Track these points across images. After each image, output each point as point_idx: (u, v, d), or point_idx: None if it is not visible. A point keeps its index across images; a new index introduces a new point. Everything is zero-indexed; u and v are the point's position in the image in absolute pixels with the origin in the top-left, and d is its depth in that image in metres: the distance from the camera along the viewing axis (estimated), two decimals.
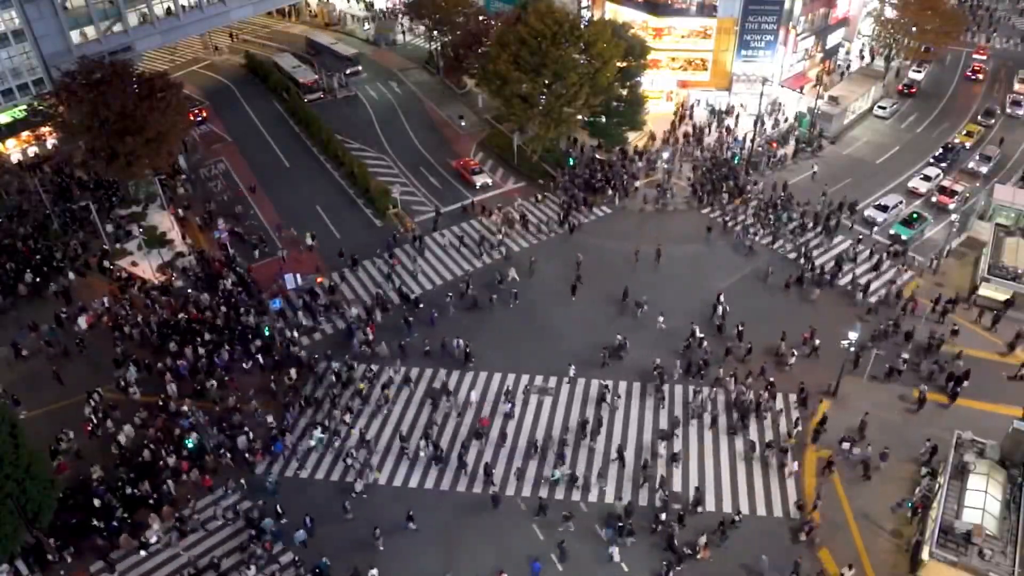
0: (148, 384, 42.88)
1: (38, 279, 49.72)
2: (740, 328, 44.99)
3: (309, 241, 53.18)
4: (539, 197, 58.21)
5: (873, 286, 48.57)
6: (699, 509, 36.16)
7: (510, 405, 41.53)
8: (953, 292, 48.06)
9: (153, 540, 35.19)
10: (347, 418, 41.16)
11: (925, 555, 32.10)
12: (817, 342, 43.99)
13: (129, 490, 36.78)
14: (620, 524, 35.12)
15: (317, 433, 39.98)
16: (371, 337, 45.71)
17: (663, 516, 35.42)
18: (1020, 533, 32.07)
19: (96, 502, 35.99)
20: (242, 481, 37.91)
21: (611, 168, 60.10)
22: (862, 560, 34.31)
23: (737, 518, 35.46)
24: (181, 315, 46.58)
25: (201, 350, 44.15)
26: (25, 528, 32.96)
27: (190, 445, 38.77)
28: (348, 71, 75.61)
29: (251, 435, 39.49)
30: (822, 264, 50.50)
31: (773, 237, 53.36)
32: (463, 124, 68.68)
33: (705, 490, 37.24)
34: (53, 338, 45.43)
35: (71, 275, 50.27)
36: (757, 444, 39.16)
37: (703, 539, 34.46)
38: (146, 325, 45.98)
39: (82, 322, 46.45)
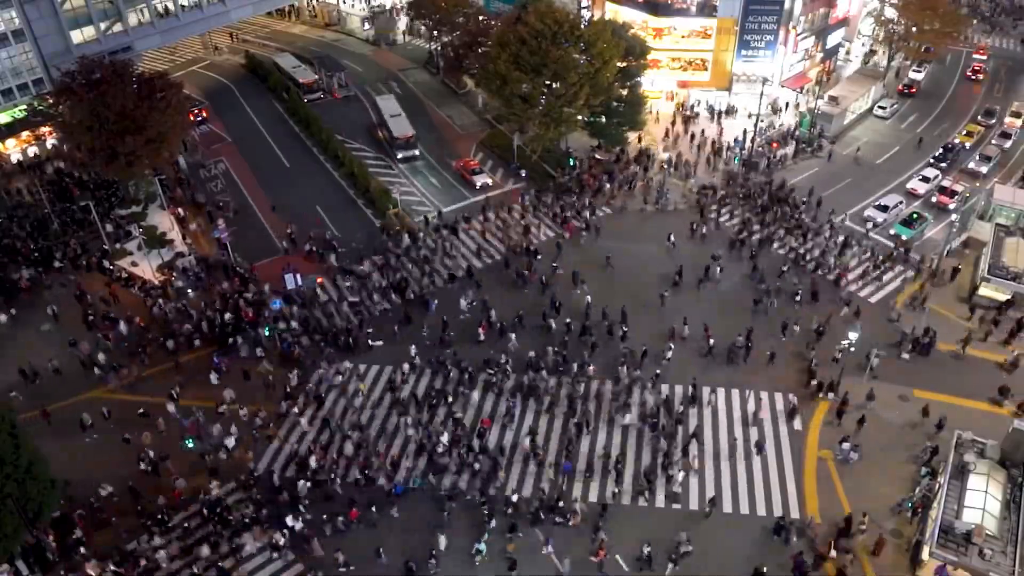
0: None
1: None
2: (625, 328, 44.97)
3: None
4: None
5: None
6: (561, 504, 35.79)
7: (509, 405, 41.39)
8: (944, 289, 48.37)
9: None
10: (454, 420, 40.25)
11: (925, 555, 32.17)
12: (712, 341, 43.94)
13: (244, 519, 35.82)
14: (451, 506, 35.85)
15: (444, 440, 39.09)
16: (482, 337, 44.93)
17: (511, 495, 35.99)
18: (1020, 533, 32.11)
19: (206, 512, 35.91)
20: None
21: (583, 189, 58.50)
22: (862, 560, 34.32)
23: (616, 491, 36.46)
24: (228, 315, 45.99)
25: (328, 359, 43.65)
26: (25, 528, 32.94)
27: (190, 445, 38.77)
28: (400, 155, 63.72)
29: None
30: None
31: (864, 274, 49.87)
32: (457, 124, 68.53)
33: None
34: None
35: (72, 275, 50.28)
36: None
37: (579, 505, 35.11)
38: (209, 322, 45.65)
39: (123, 326, 45.82)
